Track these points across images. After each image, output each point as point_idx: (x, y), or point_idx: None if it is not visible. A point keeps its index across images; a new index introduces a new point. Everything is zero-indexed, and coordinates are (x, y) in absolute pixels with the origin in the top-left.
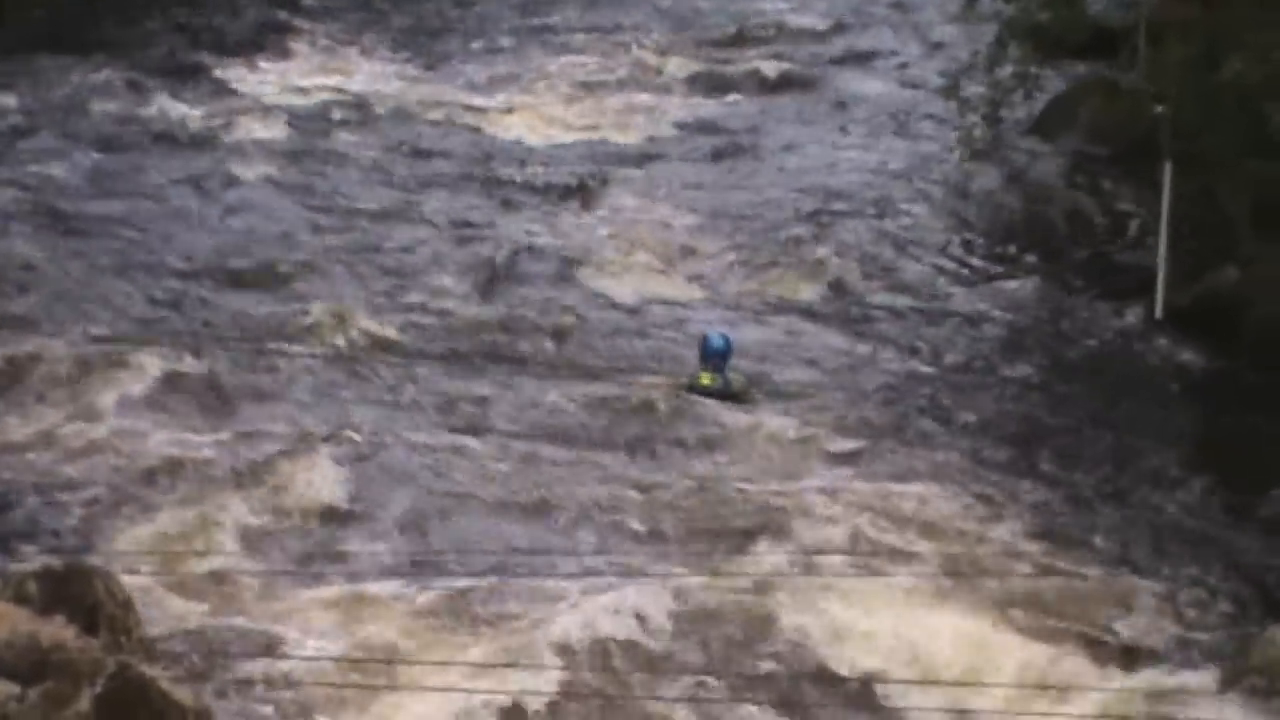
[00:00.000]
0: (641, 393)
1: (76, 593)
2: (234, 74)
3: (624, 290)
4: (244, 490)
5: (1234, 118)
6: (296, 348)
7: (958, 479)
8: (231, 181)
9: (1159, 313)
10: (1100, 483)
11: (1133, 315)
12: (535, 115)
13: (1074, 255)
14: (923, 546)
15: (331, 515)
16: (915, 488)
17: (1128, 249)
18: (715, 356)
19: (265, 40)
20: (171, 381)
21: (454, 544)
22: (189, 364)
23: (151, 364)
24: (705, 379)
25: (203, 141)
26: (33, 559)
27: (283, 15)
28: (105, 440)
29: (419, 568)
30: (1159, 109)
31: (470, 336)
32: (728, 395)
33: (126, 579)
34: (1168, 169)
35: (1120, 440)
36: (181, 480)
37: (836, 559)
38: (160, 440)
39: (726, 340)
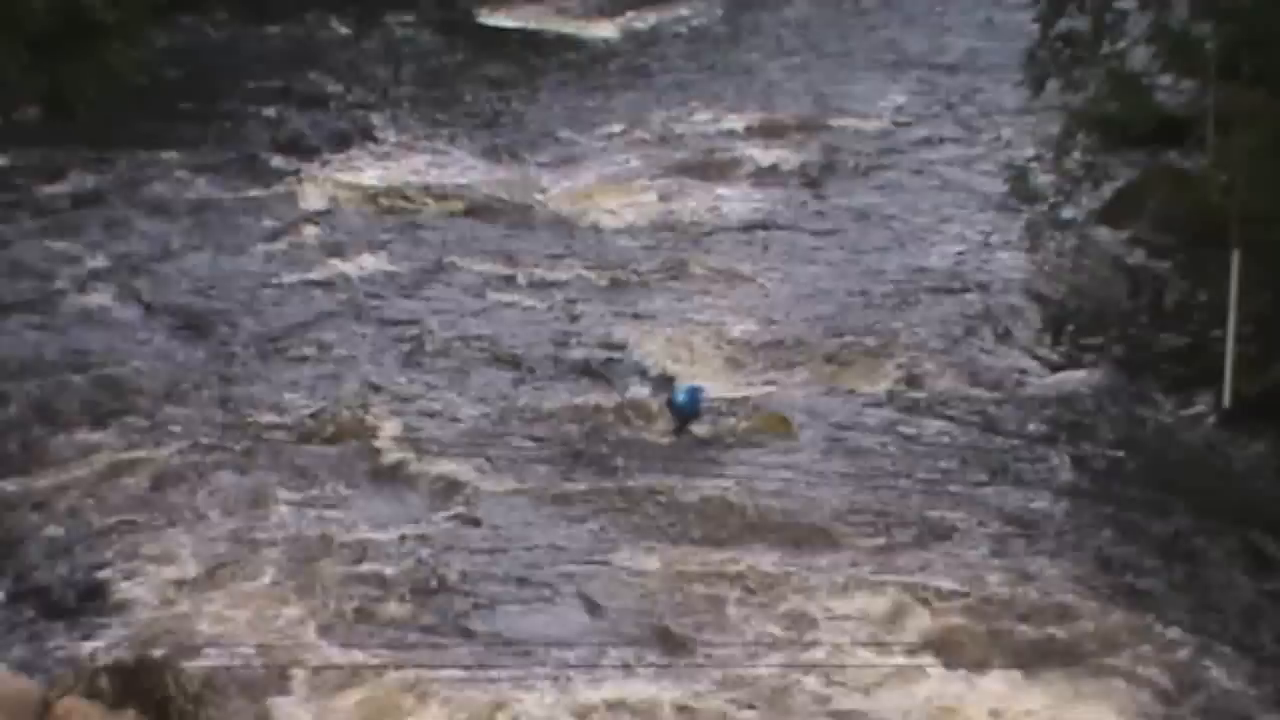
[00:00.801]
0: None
1: (147, 687)
2: (313, 170)
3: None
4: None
5: None
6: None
7: (1024, 567)
8: (306, 273)
9: (1227, 402)
10: (1165, 572)
11: (1201, 404)
12: (603, 203)
13: (1143, 344)
14: (994, 629)
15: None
16: (983, 574)
17: (1196, 338)
18: (680, 412)
19: (344, 137)
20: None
21: None
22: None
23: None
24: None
25: (280, 235)
26: (105, 652)
27: (360, 113)
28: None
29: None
30: (1227, 198)
31: (549, 426)
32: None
33: (197, 671)
34: (1236, 257)
35: (1187, 530)
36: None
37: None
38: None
39: (693, 394)
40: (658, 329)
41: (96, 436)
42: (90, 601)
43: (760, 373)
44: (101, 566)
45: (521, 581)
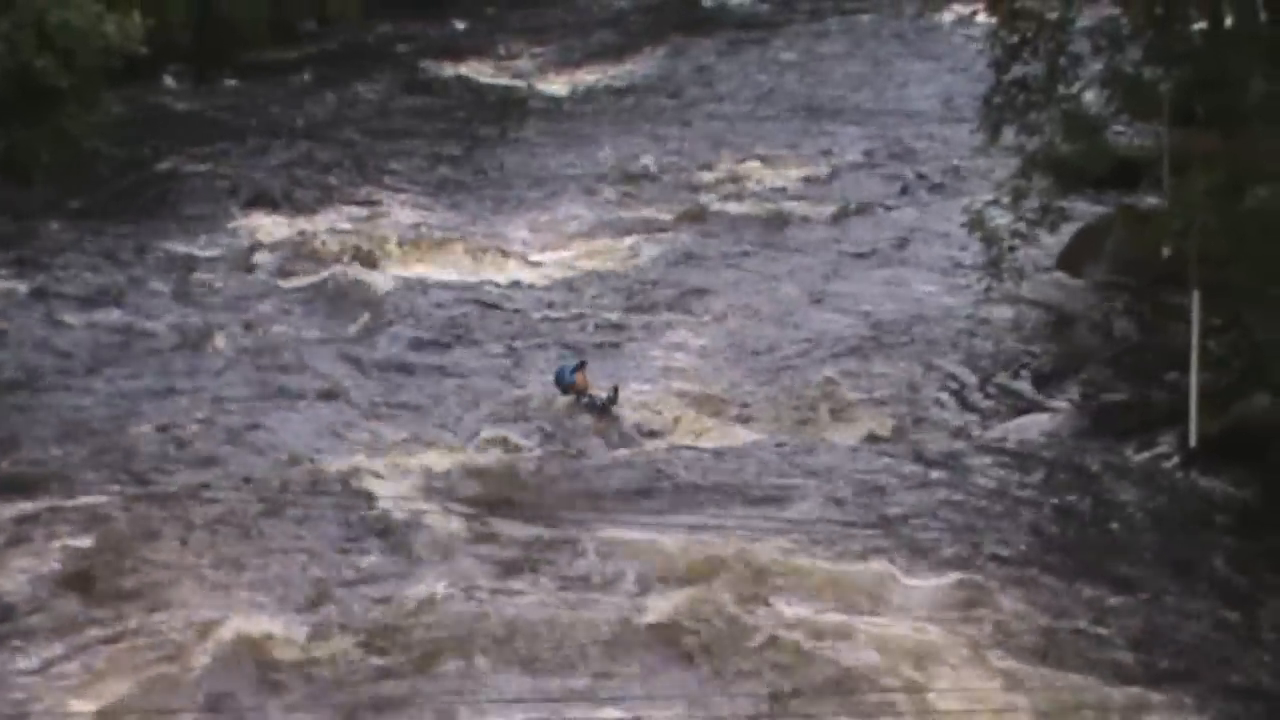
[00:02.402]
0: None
1: None
2: (268, 225)
3: (658, 434)
4: None
5: (1260, 246)
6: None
7: (988, 611)
8: (256, 328)
9: (1192, 441)
10: (1133, 613)
11: (1166, 444)
12: (562, 257)
13: (1106, 386)
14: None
15: None
16: (949, 617)
17: (1159, 379)
18: (564, 383)
19: (298, 193)
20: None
21: None
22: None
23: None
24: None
25: (225, 289)
26: None
27: (314, 169)
28: None
29: None
30: (1185, 239)
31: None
32: (598, 408)
33: None
34: (1196, 298)
35: (1155, 568)
36: None
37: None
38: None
39: (572, 371)
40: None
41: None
42: None
43: (723, 426)
44: None
45: None
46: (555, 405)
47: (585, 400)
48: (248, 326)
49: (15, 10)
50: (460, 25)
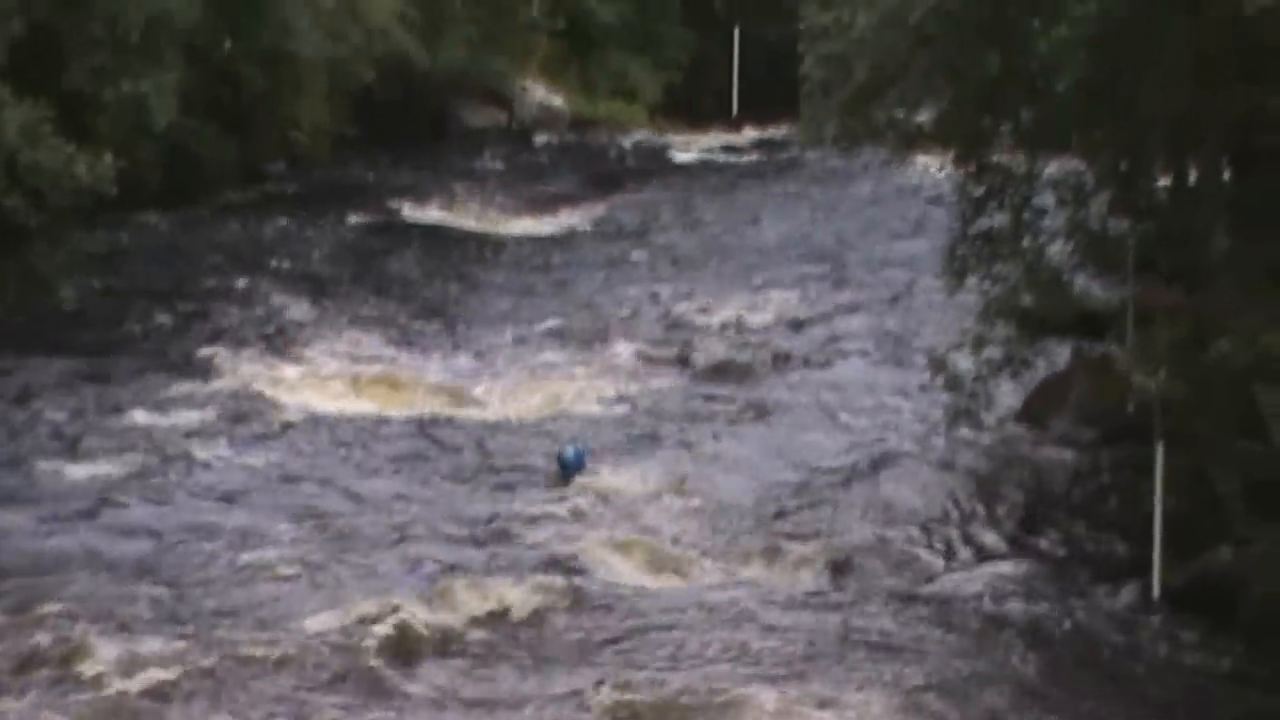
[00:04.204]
0: None
1: None
2: (237, 367)
3: (606, 579)
4: None
5: (1224, 399)
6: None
7: None
8: (207, 472)
9: (1156, 593)
10: None
11: (1129, 596)
12: (512, 399)
13: (1070, 536)
14: None
15: None
16: None
17: (1123, 529)
18: (569, 467)
19: (267, 334)
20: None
21: None
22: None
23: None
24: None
25: (182, 427)
26: None
27: (283, 310)
28: None
29: None
30: (1149, 391)
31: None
32: None
33: None
34: (1159, 450)
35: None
36: None
37: None
38: None
39: (579, 453)
40: (582, 529)
41: None
42: None
43: (684, 566)
44: None
45: None
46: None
47: None
48: (194, 468)
49: None
50: (429, 169)
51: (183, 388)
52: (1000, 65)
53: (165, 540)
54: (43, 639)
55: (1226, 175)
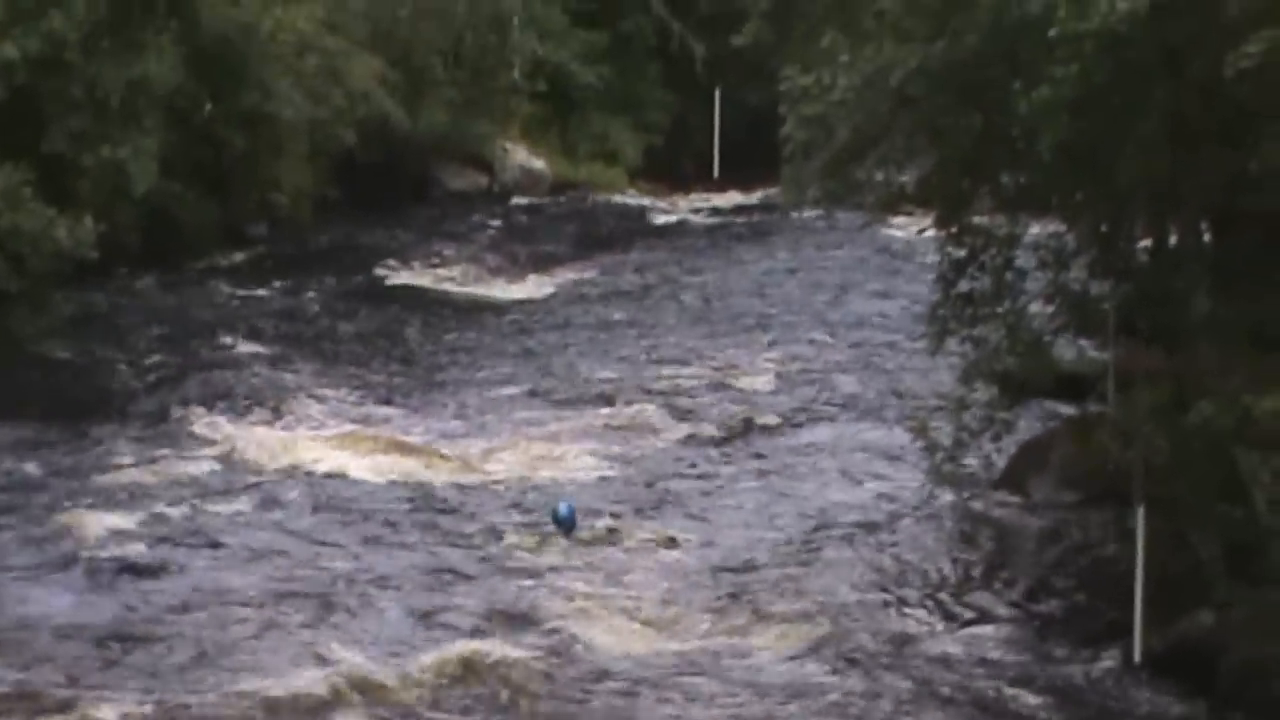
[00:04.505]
0: None
1: None
2: (217, 432)
3: (588, 639)
4: None
5: (1205, 462)
6: None
7: None
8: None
9: (1137, 657)
10: None
11: (1110, 660)
12: (501, 462)
13: (1050, 599)
14: None
15: None
16: None
17: (1103, 594)
18: (563, 523)
19: (248, 399)
20: None
21: None
22: None
23: None
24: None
25: (161, 493)
26: None
27: (265, 375)
28: None
29: None
30: (1130, 454)
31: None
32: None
33: None
34: (1140, 513)
35: None
36: None
37: None
38: None
39: (571, 509)
40: (564, 588)
41: None
42: None
43: (666, 626)
44: None
45: None
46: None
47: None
48: (171, 530)
49: None
50: (411, 232)
51: (162, 451)
52: (982, 127)
53: (140, 602)
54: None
55: (1207, 237)
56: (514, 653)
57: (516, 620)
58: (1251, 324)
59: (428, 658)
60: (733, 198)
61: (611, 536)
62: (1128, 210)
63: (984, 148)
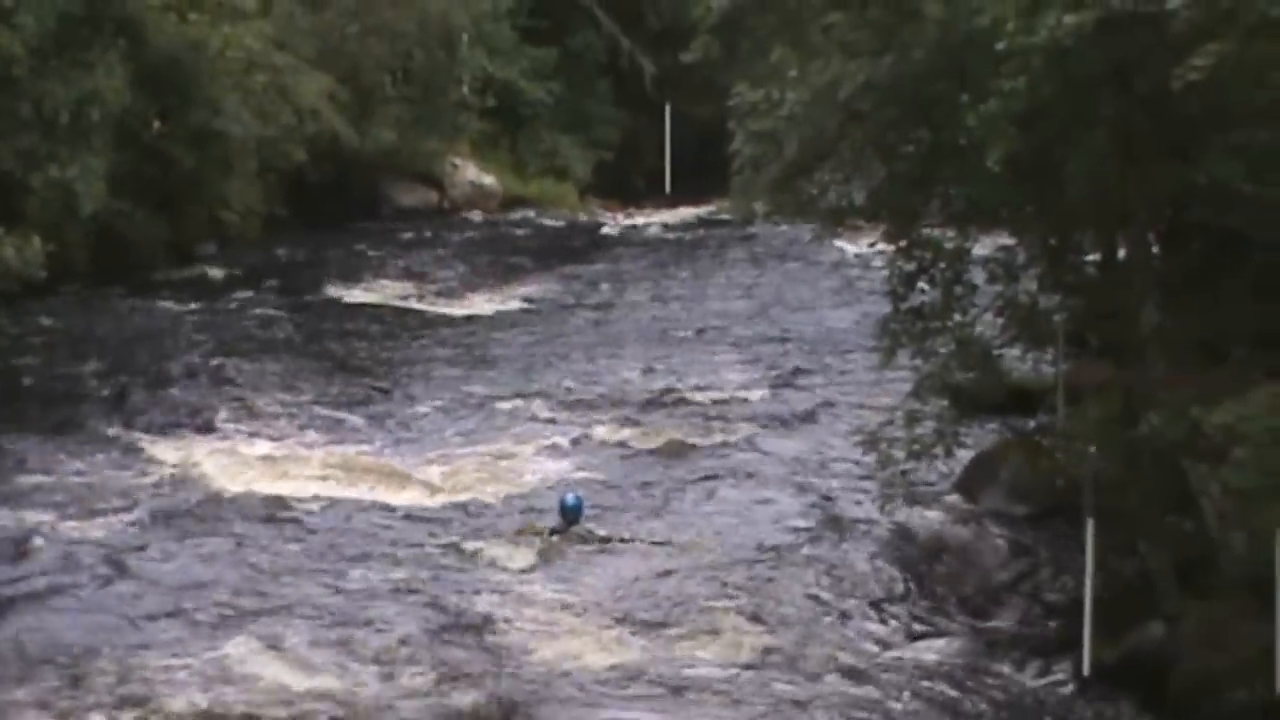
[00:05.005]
0: None
1: None
2: (167, 449)
3: (543, 658)
4: None
5: (1154, 475)
6: None
7: None
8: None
9: (1086, 670)
10: None
11: (1060, 672)
12: (458, 482)
13: (999, 614)
14: None
15: None
16: None
17: (1053, 607)
18: (570, 513)
19: (200, 416)
20: None
21: None
22: None
23: None
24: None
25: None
26: None
27: (218, 391)
28: None
29: None
30: (1080, 467)
31: None
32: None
33: None
34: (1090, 526)
35: None
36: None
37: None
38: None
39: (579, 499)
40: (518, 607)
41: None
42: None
43: (621, 639)
44: None
45: None
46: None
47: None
48: (112, 549)
49: None
50: (361, 247)
51: (108, 469)
52: (930, 141)
53: (78, 626)
54: None
55: (1155, 250)
56: (458, 663)
57: (458, 631)
58: (1200, 337)
59: (370, 669)
60: (684, 213)
61: (560, 547)
62: (1076, 224)
63: (932, 162)
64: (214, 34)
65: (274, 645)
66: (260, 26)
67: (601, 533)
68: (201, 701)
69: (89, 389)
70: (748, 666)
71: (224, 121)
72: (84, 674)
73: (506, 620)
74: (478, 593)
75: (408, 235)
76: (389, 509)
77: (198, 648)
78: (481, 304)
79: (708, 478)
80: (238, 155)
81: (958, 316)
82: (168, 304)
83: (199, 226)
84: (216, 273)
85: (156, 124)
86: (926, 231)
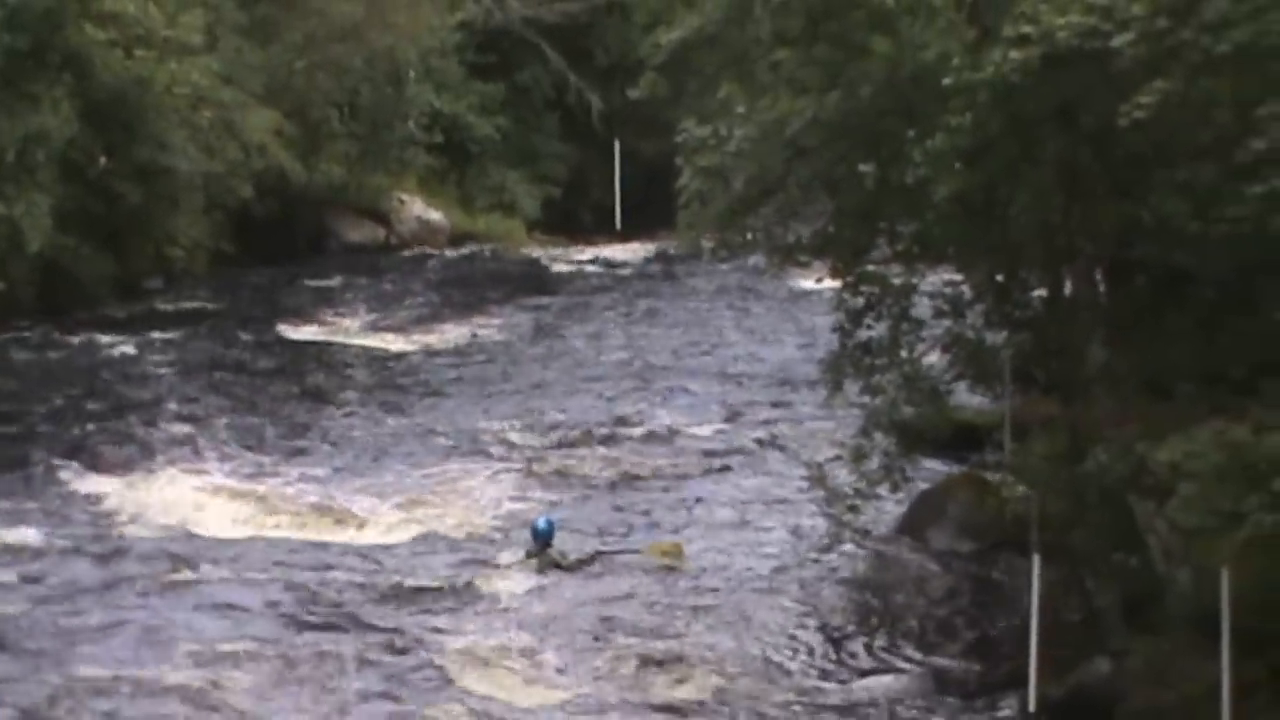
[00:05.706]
0: None
1: None
2: (111, 487)
3: (480, 696)
4: None
5: (1100, 511)
6: None
7: None
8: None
9: (1032, 706)
10: None
11: (1007, 708)
12: (395, 518)
13: (946, 650)
14: None
15: None
16: None
17: (1000, 643)
18: (541, 536)
19: (142, 455)
20: None
21: None
22: None
23: None
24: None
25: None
26: None
27: (162, 429)
28: None
29: None
30: (1026, 504)
31: None
32: (560, 566)
33: None
34: (1036, 562)
35: None
36: None
37: None
38: None
39: (550, 523)
40: (461, 649)
41: None
42: None
43: (555, 680)
44: None
45: None
46: None
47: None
48: (42, 587)
49: None
50: (307, 285)
51: (41, 504)
52: (877, 177)
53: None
54: None
55: (1101, 287)
56: (409, 697)
57: (391, 670)
58: (1146, 373)
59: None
60: (634, 248)
61: (500, 587)
62: (1022, 260)
63: (879, 197)
64: (160, 69)
65: (217, 685)
66: (207, 62)
67: (574, 556)
68: None
69: (33, 423)
70: (689, 705)
71: (170, 157)
72: None
73: (439, 655)
74: (412, 630)
75: (354, 271)
76: (325, 545)
77: (127, 689)
78: (429, 339)
79: (647, 514)
80: (184, 191)
81: (905, 352)
82: (114, 339)
83: (146, 262)
84: (163, 308)
85: (103, 160)
86: (873, 267)
